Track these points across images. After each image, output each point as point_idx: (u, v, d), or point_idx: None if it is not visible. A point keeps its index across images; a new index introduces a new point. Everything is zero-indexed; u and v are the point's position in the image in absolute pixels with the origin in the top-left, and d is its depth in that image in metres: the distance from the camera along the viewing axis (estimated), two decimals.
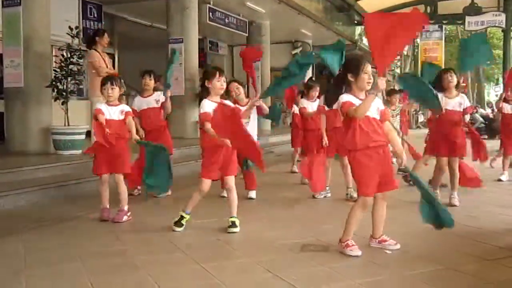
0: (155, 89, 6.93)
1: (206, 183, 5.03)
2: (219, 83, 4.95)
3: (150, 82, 6.79)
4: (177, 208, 5.35)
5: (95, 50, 8.20)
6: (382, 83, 4.05)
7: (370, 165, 4.18)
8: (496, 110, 8.92)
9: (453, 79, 6.24)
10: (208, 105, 4.82)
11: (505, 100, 8.73)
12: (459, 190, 6.49)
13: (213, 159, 5.02)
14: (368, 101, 4.05)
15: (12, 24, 8.56)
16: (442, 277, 3.76)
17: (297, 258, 4.21)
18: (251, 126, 6.56)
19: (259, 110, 6.54)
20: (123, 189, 5.53)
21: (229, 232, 4.95)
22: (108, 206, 5.56)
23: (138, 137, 5.68)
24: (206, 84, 4.97)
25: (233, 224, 5.02)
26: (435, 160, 6.61)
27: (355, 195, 6.31)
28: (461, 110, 6.30)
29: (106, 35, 8.32)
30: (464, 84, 7.02)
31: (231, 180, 5.13)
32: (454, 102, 6.28)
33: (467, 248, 4.51)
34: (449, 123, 6.28)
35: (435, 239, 4.84)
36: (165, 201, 6.64)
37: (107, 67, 8.16)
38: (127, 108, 5.61)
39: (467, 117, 6.51)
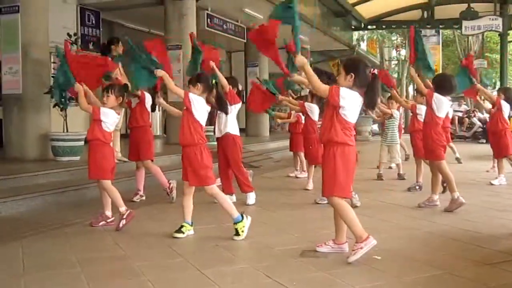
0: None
1: (184, 185, 5.17)
2: None
3: None
4: (177, 213, 5.37)
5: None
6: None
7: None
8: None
9: None
10: None
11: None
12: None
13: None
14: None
15: (10, 31, 8.58)
16: (441, 282, 3.77)
17: (296, 264, 4.21)
18: (230, 119, 6.56)
19: (232, 98, 6.53)
20: (103, 196, 5.54)
21: (233, 239, 4.96)
22: (106, 213, 5.58)
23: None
24: None
25: (236, 233, 4.97)
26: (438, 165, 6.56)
27: (358, 204, 6.32)
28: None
29: (120, 43, 8.47)
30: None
31: (206, 189, 5.13)
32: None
33: (466, 253, 4.52)
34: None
35: (433, 243, 4.86)
36: (165, 207, 6.65)
37: (121, 75, 8.28)
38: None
39: None
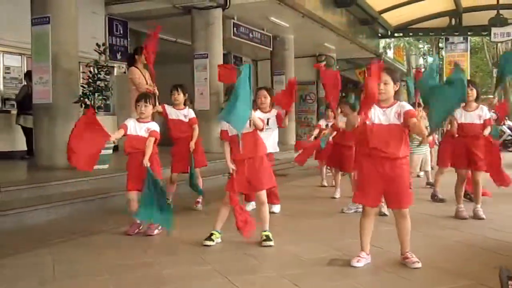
0: (185, 103, 6.89)
1: (227, 195, 5.06)
2: None
3: (179, 96, 6.80)
4: (206, 221, 5.40)
5: (136, 67, 8.37)
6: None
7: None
8: None
9: (472, 93, 6.19)
10: None
11: None
12: (484, 203, 6.48)
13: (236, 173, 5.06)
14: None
15: (41, 42, 8.72)
16: None
17: (324, 272, 4.19)
18: (266, 136, 6.53)
19: (279, 120, 6.53)
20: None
21: (264, 246, 4.96)
22: (138, 221, 5.60)
23: (147, 163, 5.41)
24: None
25: (268, 238, 5.02)
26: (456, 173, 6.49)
27: (387, 212, 6.24)
28: (481, 122, 6.25)
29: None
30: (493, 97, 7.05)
31: (260, 194, 5.12)
32: (473, 115, 6.26)
33: (495, 263, 4.43)
34: (469, 136, 6.25)
35: (462, 253, 4.80)
36: (194, 215, 6.68)
37: (147, 83, 8.31)
38: (153, 127, 5.61)
39: (487, 130, 6.33)
